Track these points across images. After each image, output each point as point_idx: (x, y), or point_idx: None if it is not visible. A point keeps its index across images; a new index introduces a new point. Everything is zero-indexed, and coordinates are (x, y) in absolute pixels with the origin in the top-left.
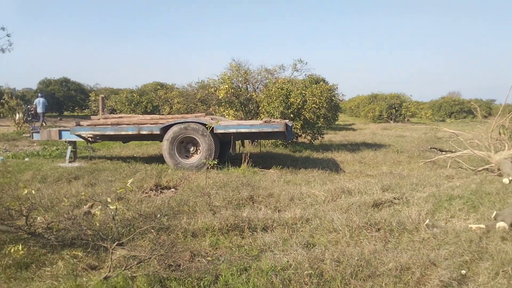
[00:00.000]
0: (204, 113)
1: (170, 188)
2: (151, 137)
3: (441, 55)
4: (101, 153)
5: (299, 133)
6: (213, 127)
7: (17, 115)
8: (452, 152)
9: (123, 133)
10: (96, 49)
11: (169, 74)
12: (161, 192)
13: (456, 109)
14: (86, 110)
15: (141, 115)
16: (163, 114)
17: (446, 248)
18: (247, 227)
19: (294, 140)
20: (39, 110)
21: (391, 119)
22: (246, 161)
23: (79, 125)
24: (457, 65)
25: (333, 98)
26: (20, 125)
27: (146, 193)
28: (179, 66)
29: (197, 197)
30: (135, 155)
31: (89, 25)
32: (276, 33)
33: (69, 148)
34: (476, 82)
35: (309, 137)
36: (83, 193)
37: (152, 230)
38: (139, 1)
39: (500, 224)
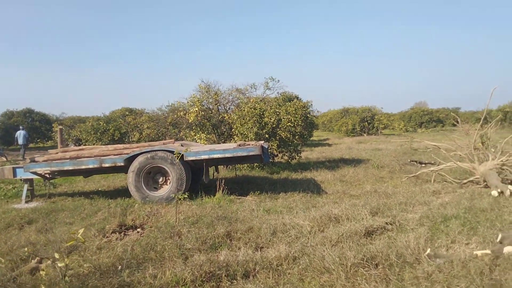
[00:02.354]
0: (173, 140)
1: (136, 228)
2: (115, 169)
3: (405, 66)
4: (63, 188)
5: (276, 153)
6: (182, 155)
7: None
8: (432, 164)
9: (83, 167)
10: (61, 77)
11: (140, 99)
12: (124, 234)
13: (425, 119)
14: (50, 141)
15: (104, 146)
16: (133, 141)
17: (456, 285)
18: (225, 275)
19: (270, 160)
20: (20, 142)
21: (364, 132)
22: (221, 188)
23: (34, 161)
24: (422, 76)
25: (308, 115)
26: None
27: (107, 237)
28: (150, 91)
29: (166, 239)
30: (100, 189)
31: (52, 51)
32: (243, 54)
33: (25, 186)
34: (440, 92)
35: (286, 157)
36: (26, 249)
37: None
38: (104, 25)
39: (509, 249)
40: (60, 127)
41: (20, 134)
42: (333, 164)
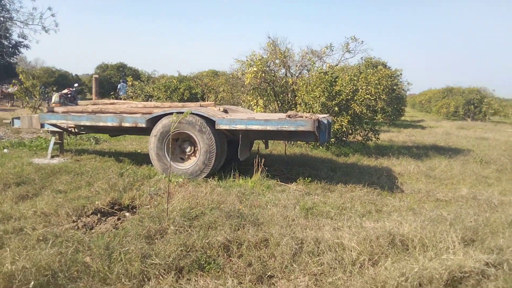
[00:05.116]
0: (213, 102)
1: (130, 210)
2: (137, 130)
3: None
4: (104, 146)
5: (348, 131)
6: (214, 122)
7: (34, 98)
8: None
9: (101, 124)
10: (160, 34)
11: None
12: (99, 220)
13: None
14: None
15: (136, 102)
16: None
17: None
18: None
19: (343, 139)
20: (122, 94)
21: (469, 117)
22: (260, 170)
23: (51, 111)
24: None
25: (394, 88)
26: (35, 109)
27: (74, 221)
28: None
29: (137, 240)
30: (138, 151)
31: (153, 8)
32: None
33: (52, 139)
34: None
35: (359, 137)
36: None
37: None
38: None
39: None
40: (96, 76)
41: (122, 87)
42: (421, 151)
